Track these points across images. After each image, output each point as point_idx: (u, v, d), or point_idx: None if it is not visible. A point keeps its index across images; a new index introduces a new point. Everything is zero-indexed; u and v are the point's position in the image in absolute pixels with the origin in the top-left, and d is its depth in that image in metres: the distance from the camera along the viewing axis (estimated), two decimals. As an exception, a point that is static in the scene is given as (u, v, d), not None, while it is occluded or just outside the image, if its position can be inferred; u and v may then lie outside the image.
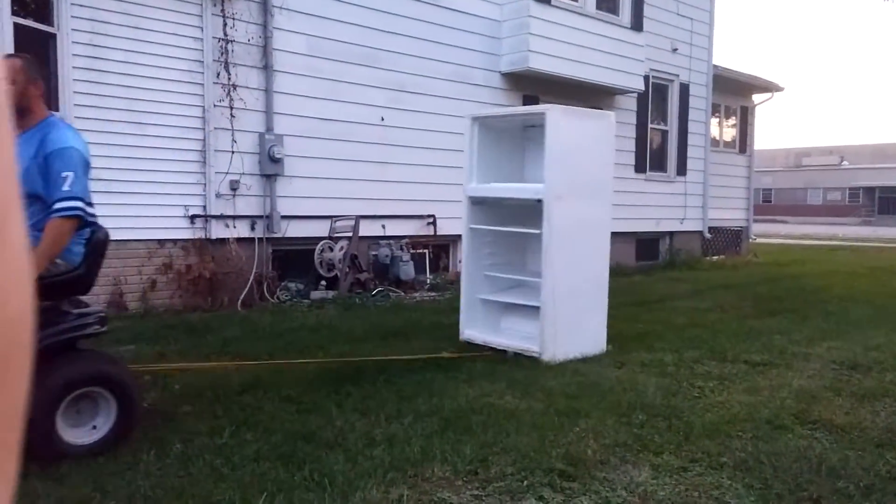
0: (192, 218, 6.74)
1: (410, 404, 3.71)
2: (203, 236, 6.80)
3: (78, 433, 2.92)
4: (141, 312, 6.15)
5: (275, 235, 7.20)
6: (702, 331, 6.13)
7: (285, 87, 7.28)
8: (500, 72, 9.33)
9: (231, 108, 6.89)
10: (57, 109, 5.87)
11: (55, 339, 2.79)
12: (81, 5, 6.03)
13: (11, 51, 5.51)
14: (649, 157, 11.85)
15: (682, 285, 9.77)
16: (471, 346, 5.12)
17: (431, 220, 8.63)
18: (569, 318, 4.81)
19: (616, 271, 10.63)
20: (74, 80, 6.02)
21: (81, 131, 5.98)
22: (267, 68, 7.12)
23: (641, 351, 5.18)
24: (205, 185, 6.81)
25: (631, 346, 5.39)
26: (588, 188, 4.84)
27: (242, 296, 6.85)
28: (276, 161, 7.13)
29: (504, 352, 4.98)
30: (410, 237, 8.37)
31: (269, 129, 7.18)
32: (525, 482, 2.81)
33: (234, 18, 6.87)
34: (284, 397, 3.80)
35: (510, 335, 5.12)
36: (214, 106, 6.81)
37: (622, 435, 3.43)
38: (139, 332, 5.11)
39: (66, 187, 2.82)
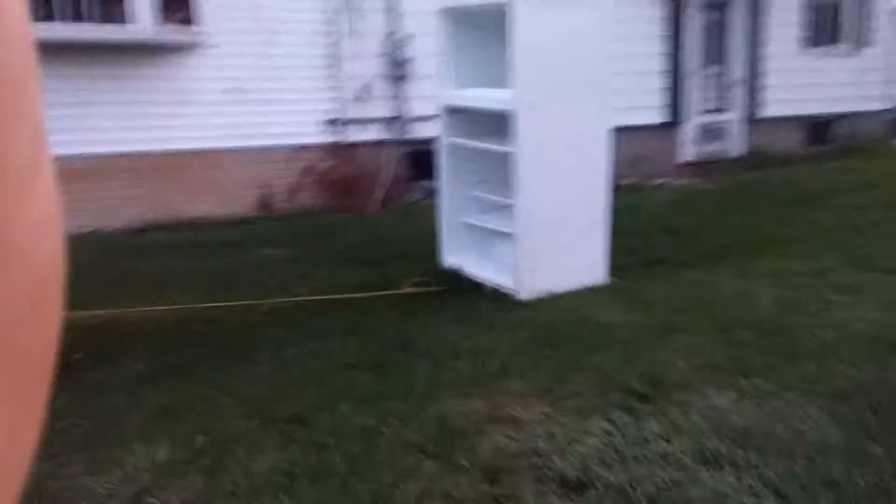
0: (329, 122, 7.08)
1: (505, 315, 3.86)
2: (339, 140, 7.15)
3: None
4: (285, 214, 6.68)
5: (406, 137, 7.40)
6: (852, 234, 5.64)
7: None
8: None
9: (357, 9, 6.99)
10: (195, 24, 6.29)
11: None
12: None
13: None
14: (821, 29, 10.54)
15: (852, 177, 8.87)
16: (452, 274, 4.53)
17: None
18: (552, 246, 4.12)
19: (778, 159, 9.89)
20: (212, -4, 6.37)
21: (222, 45, 6.50)
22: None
23: (714, 266, 4.83)
24: (339, 89, 7.07)
25: (758, 251, 5.11)
26: (575, 90, 4.04)
27: (378, 195, 7.21)
28: (404, 62, 7.21)
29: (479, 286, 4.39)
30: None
31: (396, 29, 7.22)
32: (597, 402, 2.90)
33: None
34: (391, 304, 4.09)
35: (491, 266, 4.43)
36: (342, 11, 6.94)
37: (717, 354, 3.37)
38: (277, 238, 5.60)
39: None
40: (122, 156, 6.20)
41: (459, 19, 4.30)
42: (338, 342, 3.51)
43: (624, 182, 8.44)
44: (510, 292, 4.12)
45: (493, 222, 4.43)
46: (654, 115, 9.38)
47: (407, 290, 4.23)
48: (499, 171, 4.17)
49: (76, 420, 2.77)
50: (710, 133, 10.15)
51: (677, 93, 9.53)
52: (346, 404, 2.83)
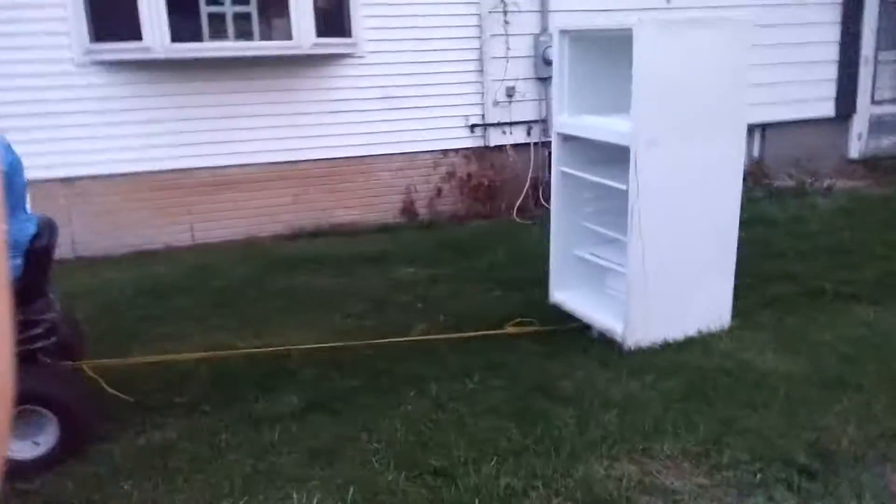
0: (472, 127, 7.06)
1: (654, 358, 3.69)
2: (482, 144, 7.12)
3: (19, 447, 2.86)
4: (427, 221, 6.77)
5: (550, 139, 7.24)
6: None
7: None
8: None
9: (505, 11, 6.88)
10: (349, 33, 6.45)
11: None
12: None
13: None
14: None
15: None
16: (560, 313, 4.25)
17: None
18: (668, 292, 3.79)
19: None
20: (363, 3, 6.48)
21: (373, 54, 6.64)
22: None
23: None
24: (482, 93, 7.03)
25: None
26: (704, 122, 3.67)
27: (519, 202, 7.13)
28: (550, 63, 7.02)
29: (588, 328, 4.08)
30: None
31: (544, 29, 7.05)
32: (758, 475, 2.72)
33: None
34: (532, 336, 4.03)
35: (603, 305, 4.10)
36: (490, 13, 6.86)
37: (894, 421, 3.06)
38: (419, 252, 5.67)
39: None
40: (275, 165, 6.50)
41: (580, 42, 4.01)
42: (479, 381, 3.50)
43: (787, 183, 7.87)
44: (618, 338, 3.83)
45: (606, 257, 4.13)
46: (823, 107, 8.63)
47: (510, 330, 4.07)
48: (616, 202, 3.84)
49: (236, 456, 2.95)
50: (885, 126, 9.20)
51: (850, 82, 8.69)
52: (492, 459, 2.82)
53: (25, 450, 2.89)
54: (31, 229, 2.97)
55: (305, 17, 6.09)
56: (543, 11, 7.05)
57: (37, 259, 2.97)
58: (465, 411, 3.22)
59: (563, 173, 4.20)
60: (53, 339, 3.08)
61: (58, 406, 2.94)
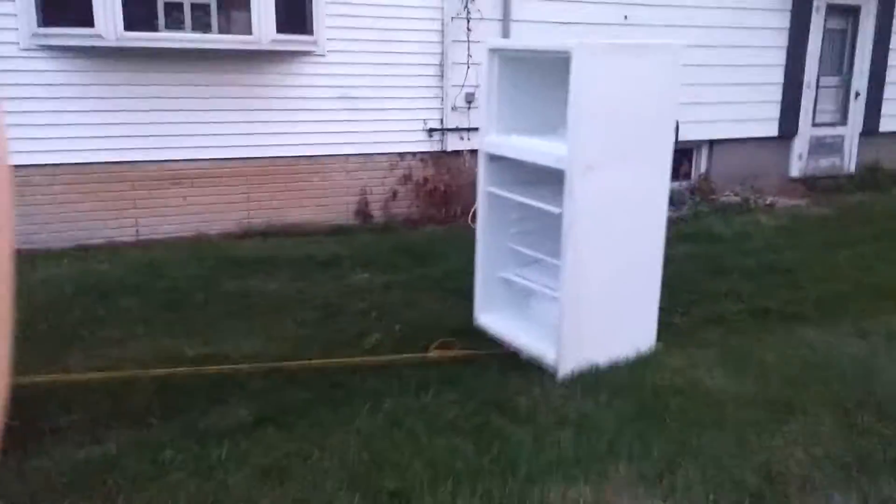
0: (430, 131, 7.02)
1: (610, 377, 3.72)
2: (440, 149, 7.09)
3: None
4: (382, 224, 6.70)
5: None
6: None
7: (523, -10, 7.04)
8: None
9: (468, 18, 6.85)
10: (311, 30, 6.33)
11: None
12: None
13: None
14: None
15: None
16: (485, 337, 4.15)
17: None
18: (599, 317, 3.73)
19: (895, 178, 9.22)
20: (327, 2, 6.37)
21: (334, 53, 6.53)
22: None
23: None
24: (442, 98, 6.99)
25: (880, 301, 4.77)
26: (638, 149, 3.60)
27: (474, 208, 7.12)
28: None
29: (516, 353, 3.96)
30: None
31: (505, 37, 7.05)
32: (711, 498, 2.76)
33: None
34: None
35: (530, 329, 4.01)
36: (453, 19, 6.83)
37: (838, 443, 3.15)
38: (374, 257, 5.60)
39: None
40: (228, 161, 6.33)
41: (512, 61, 3.87)
42: (435, 395, 3.47)
43: (732, 199, 8.08)
44: (549, 364, 3.72)
45: (532, 279, 4.04)
46: (768, 127, 8.91)
47: (432, 354, 3.93)
48: (542, 223, 3.79)
49: (180, 475, 2.84)
50: (824, 147, 9.55)
51: (793, 104, 8.99)
52: (447, 480, 2.78)
53: None
54: None
55: (266, 12, 5.96)
56: (505, 20, 7.06)
57: None
58: (421, 428, 3.18)
59: (489, 193, 4.09)
60: None
61: None
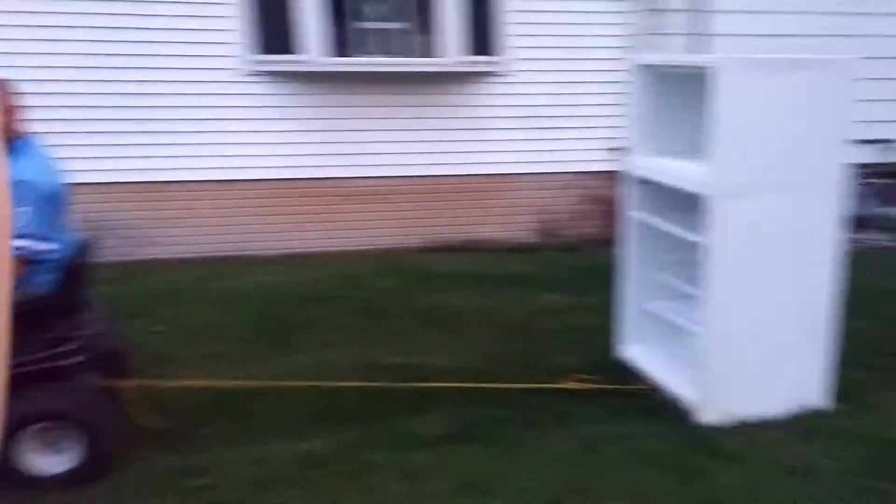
0: (613, 150, 6.89)
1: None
2: (621, 168, 6.93)
3: (47, 463, 2.89)
4: (565, 243, 6.66)
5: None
6: None
7: (716, 2, 6.74)
8: None
9: (655, 34, 6.68)
10: (495, 52, 6.45)
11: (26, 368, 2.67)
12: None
13: None
14: None
15: None
16: (627, 370, 3.89)
17: (886, 144, 7.36)
18: (749, 362, 3.34)
19: None
20: (510, 23, 6.47)
21: (518, 73, 6.62)
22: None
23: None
24: (623, 117, 6.85)
25: None
26: (795, 175, 3.22)
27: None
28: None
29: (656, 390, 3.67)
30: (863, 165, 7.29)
31: (698, 52, 6.79)
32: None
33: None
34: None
35: (676, 367, 3.66)
36: (640, 36, 6.69)
37: None
38: (561, 277, 5.57)
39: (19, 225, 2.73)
40: (417, 178, 6.58)
41: (661, 78, 3.65)
42: (638, 425, 3.35)
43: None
44: (691, 409, 3.40)
45: (681, 315, 3.67)
46: None
47: (569, 385, 3.65)
48: (694, 252, 3.42)
49: (385, 476, 2.94)
50: None
51: None
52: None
53: (53, 465, 2.89)
54: (70, 248, 3.04)
55: (452, 35, 6.16)
56: (700, 35, 6.79)
57: (72, 276, 3.00)
58: (616, 460, 3.08)
59: (637, 219, 3.88)
60: (86, 356, 2.96)
61: (78, 423, 2.90)
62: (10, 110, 2.89)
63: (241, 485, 2.91)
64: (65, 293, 2.97)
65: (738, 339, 3.32)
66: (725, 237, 3.19)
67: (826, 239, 3.35)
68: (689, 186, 3.35)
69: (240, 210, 6.33)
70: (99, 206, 5.60)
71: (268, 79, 6.18)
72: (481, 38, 6.47)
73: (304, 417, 3.43)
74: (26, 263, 2.77)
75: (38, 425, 2.84)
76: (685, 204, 3.52)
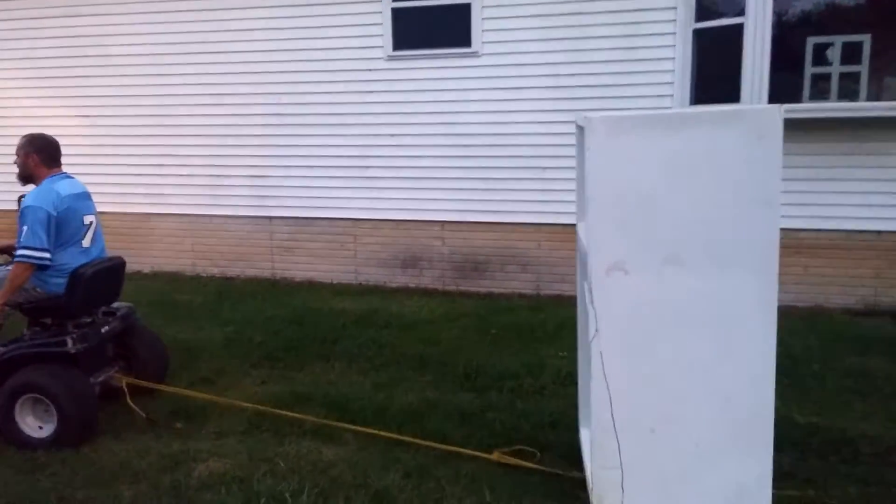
0: None
1: None
2: None
3: (33, 429, 3.67)
4: None
5: None
6: None
7: None
8: None
9: None
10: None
11: (19, 352, 3.69)
12: None
13: None
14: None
15: None
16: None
17: None
18: (659, 464, 2.69)
19: None
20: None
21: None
22: None
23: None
24: None
25: None
26: (707, 250, 2.57)
27: None
28: None
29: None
30: None
31: None
32: None
33: None
34: None
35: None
36: None
37: None
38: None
39: (21, 239, 3.65)
40: (857, 233, 5.98)
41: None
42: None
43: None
44: None
45: None
46: None
47: (497, 457, 3.40)
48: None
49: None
50: None
51: None
52: None
53: (35, 431, 3.68)
54: (81, 260, 3.81)
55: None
56: None
57: (79, 283, 3.73)
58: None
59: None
60: (81, 347, 3.72)
61: (50, 397, 3.59)
62: (28, 157, 3.85)
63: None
64: (71, 295, 3.75)
65: (637, 435, 2.73)
66: (609, 314, 2.68)
67: (751, 327, 2.65)
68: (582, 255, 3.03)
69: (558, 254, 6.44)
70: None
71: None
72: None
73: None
74: (28, 267, 3.64)
75: (28, 395, 3.65)
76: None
